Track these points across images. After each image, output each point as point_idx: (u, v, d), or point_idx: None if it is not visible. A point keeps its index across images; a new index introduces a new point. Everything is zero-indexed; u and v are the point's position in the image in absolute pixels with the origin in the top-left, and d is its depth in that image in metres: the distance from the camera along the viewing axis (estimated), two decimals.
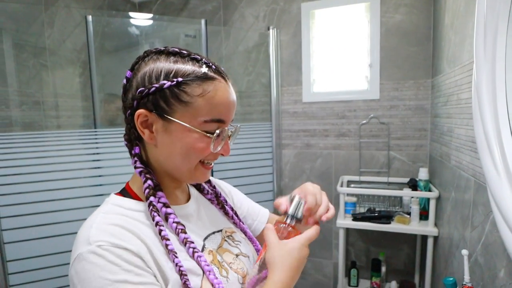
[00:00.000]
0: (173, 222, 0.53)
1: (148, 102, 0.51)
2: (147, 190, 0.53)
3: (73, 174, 1.44)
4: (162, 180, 0.57)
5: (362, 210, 1.78)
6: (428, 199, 1.57)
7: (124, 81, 0.55)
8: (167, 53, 0.53)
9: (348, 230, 1.96)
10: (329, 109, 1.94)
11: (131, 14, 1.66)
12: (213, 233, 0.63)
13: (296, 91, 1.99)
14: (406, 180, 1.78)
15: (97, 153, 1.51)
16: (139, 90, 0.51)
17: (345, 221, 1.66)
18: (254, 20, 2.02)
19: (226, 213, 0.70)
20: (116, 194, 0.57)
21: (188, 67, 0.51)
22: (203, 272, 0.51)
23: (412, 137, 1.81)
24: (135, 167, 0.55)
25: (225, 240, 0.64)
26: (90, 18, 1.52)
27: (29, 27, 1.54)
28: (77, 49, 1.73)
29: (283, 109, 2.02)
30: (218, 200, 0.70)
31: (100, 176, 1.52)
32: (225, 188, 0.79)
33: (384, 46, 1.80)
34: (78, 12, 1.74)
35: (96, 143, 1.49)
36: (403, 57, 1.77)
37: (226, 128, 0.55)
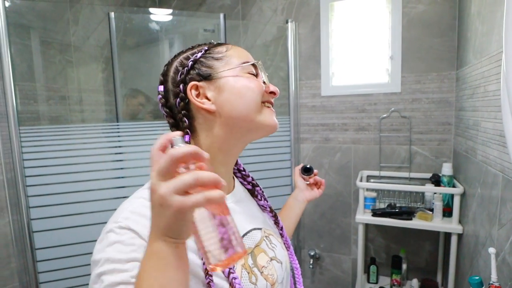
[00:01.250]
0: None
1: (192, 76, 0.56)
2: None
3: (96, 167, 1.49)
4: (213, 168, 0.57)
5: (382, 205, 1.75)
6: (452, 195, 1.52)
7: (159, 96, 0.59)
8: (182, 51, 0.60)
9: (367, 226, 1.93)
10: (348, 103, 1.91)
11: (152, 10, 1.69)
12: (254, 229, 0.62)
13: (315, 84, 1.96)
14: (428, 175, 1.74)
15: (119, 146, 1.55)
16: (180, 72, 0.55)
17: (365, 217, 1.64)
18: (272, 13, 2.01)
19: (265, 210, 0.70)
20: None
21: (203, 45, 0.60)
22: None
23: (435, 131, 1.75)
24: None
25: (264, 240, 0.62)
26: (112, 15, 1.55)
27: (56, 25, 1.60)
28: (100, 45, 1.77)
29: (301, 103, 2.01)
30: (256, 194, 0.70)
31: (122, 168, 1.56)
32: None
33: (406, 37, 1.74)
34: (101, 9, 1.78)
35: (119, 136, 1.53)
36: (426, 49, 1.72)
37: (260, 65, 0.60)
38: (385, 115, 1.84)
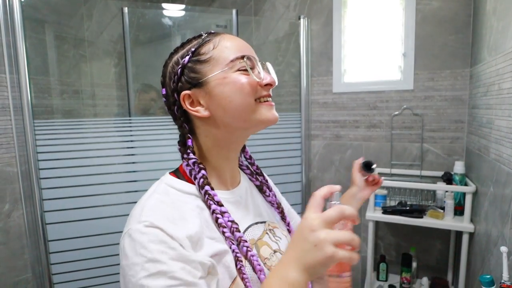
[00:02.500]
0: (228, 220, 0.53)
1: (183, 85, 0.55)
2: (201, 180, 0.54)
3: (108, 161, 1.51)
4: (216, 163, 0.59)
5: (393, 203, 1.74)
6: (463, 194, 1.51)
7: (164, 99, 0.60)
8: (175, 49, 0.59)
9: (377, 224, 1.92)
10: (360, 100, 1.90)
11: (164, 5, 1.69)
12: (256, 223, 0.62)
13: (326, 81, 1.96)
14: (440, 173, 1.72)
15: (131, 141, 1.57)
16: (172, 81, 0.56)
17: (375, 214, 1.64)
18: (284, 9, 2.01)
19: (272, 205, 0.70)
20: (171, 174, 0.58)
21: (193, 41, 0.58)
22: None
23: (447, 129, 1.74)
24: (189, 159, 0.56)
25: (267, 233, 0.63)
26: (126, 10, 1.56)
27: (70, 20, 1.61)
28: (113, 40, 1.79)
29: (312, 99, 2.00)
30: (264, 190, 0.70)
31: (133, 163, 1.57)
32: (270, 182, 0.78)
33: (419, 34, 1.73)
34: (115, 5, 1.79)
35: (131, 130, 1.54)
36: (439, 46, 1.70)
37: (252, 57, 0.56)
38: (397, 113, 1.82)
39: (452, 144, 1.74)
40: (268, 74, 0.57)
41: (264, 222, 0.64)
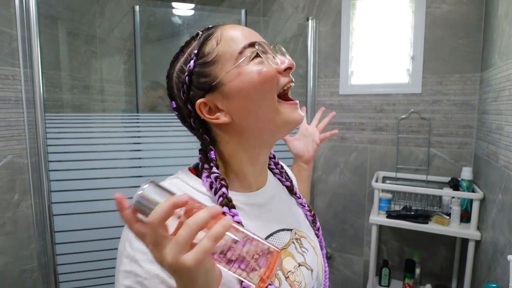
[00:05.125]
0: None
1: (194, 93, 0.50)
2: (220, 199, 0.48)
3: (115, 155, 1.53)
4: (239, 169, 0.54)
5: (398, 208, 1.73)
6: (470, 201, 1.49)
7: (175, 112, 0.55)
8: (176, 56, 0.54)
9: (381, 228, 1.91)
10: (366, 102, 1.90)
11: (174, 4, 1.72)
12: (282, 230, 0.56)
13: (333, 83, 1.96)
14: (447, 179, 1.70)
15: (138, 137, 1.59)
16: (181, 91, 0.51)
17: (379, 218, 1.62)
18: (293, 10, 2.02)
19: (303, 207, 0.65)
20: (190, 169, 0.55)
21: (193, 43, 0.52)
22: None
23: (455, 134, 1.72)
24: (212, 172, 0.51)
25: (293, 242, 0.57)
26: (137, 8, 1.60)
27: (83, 17, 1.65)
28: (123, 37, 1.82)
29: (319, 100, 2.01)
30: (295, 191, 0.65)
31: (140, 158, 1.60)
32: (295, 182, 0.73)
33: (428, 37, 1.72)
34: (126, 3, 1.83)
35: (138, 127, 1.57)
36: (449, 50, 1.69)
37: (262, 42, 0.50)
38: (404, 116, 1.81)
39: (460, 149, 1.72)
40: (284, 57, 0.51)
41: (291, 230, 0.58)
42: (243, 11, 1.71)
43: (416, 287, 1.75)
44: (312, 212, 0.66)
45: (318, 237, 0.65)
